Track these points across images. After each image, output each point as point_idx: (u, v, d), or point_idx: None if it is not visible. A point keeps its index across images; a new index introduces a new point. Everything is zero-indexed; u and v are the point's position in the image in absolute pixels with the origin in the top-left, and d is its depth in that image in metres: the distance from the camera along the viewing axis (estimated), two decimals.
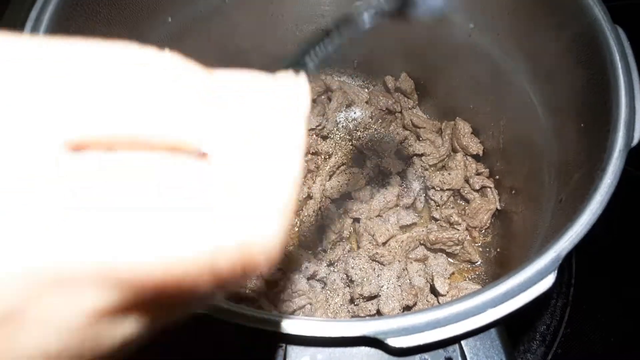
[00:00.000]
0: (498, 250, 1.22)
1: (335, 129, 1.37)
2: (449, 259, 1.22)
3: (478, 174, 1.30)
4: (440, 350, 0.66)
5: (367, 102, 1.41)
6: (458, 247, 1.19)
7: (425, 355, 0.66)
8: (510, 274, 0.66)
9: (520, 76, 1.10)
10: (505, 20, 1.08)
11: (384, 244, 1.19)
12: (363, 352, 0.65)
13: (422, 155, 1.33)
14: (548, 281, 0.66)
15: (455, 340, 0.66)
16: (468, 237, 1.22)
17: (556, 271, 0.67)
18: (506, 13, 1.06)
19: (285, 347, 0.65)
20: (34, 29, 0.83)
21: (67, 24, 0.87)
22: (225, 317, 0.62)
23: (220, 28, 1.24)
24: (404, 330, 0.62)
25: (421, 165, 1.33)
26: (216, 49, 1.27)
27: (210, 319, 0.62)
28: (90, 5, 0.92)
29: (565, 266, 1.27)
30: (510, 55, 1.11)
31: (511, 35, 1.09)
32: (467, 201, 1.29)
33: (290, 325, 0.61)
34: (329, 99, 1.42)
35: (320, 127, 1.35)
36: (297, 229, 1.24)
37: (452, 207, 1.29)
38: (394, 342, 0.61)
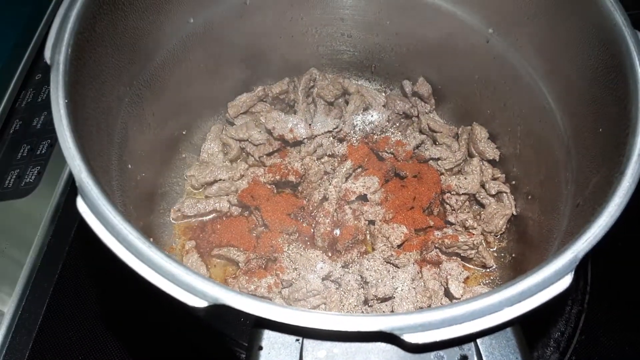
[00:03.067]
0: (513, 255, 1.22)
1: (352, 131, 1.38)
2: (464, 263, 1.22)
3: (494, 179, 1.31)
4: (456, 348, 0.66)
5: (384, 106, 1.42)
6: (473, 252, 1.19)
7: (441, 353, 0.66)
8: (528, 274, 0.66)
9: (538, 81, 1.10)
10: (525, 25, 1.08)
11: (399, 246, 1.19)
12: (379, 347, 0.65)
13: (438, 159, 1.33)
14: (565, 282, 0.66)
15: (471, 338, 0.66)
16: (483, 242, 1.22)
17: (573, 272, 0.67)
18: (526, 18, 1.07)
19: (302, 341, 0.65)
20: (61, 28, 0.84)
21: (92, 21, 0.89)
22: (243, 308, 0.62)
23: (240, 29, 1.25)
24: (420, 326, 0.62)
25: (437, 170, 1.33)
26: (236, 50, 1.29)
27: (228, 310, 0.63)
28: (115, 3, 0.94)
29: (580, 273, 1.27)
30: (528, 60, 1.12)
31: (530, 40, 1.10)
32: (483, 206, 1.29)
33: (307, 319, 0.62)
34: (347, 102, 1.43)
35: (337, 130, 1.36)
36: (312, 230, 1.25)
37: (468, 212, 1.29)
38: (410, 338, 0.61)
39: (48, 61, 0.81)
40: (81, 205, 0.69)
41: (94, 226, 0.68)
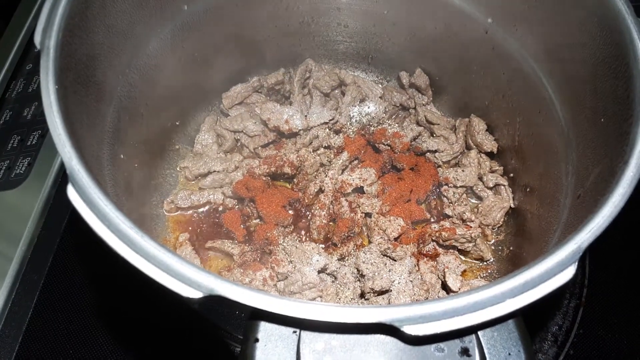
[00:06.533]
0: (511, 248, 1.21)
1: (348, 123, 1.36)
2: (461, 256, 1.21)
3: (492, 171, 1.29)
4: (457, 340, 0.65)
5: (381, 97, 1.40)
6: (470, 245, 1.18)
7: (442, 345, 0.64)
8: (530, 265, 0.65)
9: (538, 71, 1.08)
10: (525, 14, 1.07)
11: (395, 239, 1.18)
12: (378, 339, 0.64)
13: (435, 151, 1.32)
14: (568, 273, 0.65)
15: (472, 330, 0.65)
16: (481, 235, 1.21)
17: (576, 263, 0.66)
18: (525, 7, 1.05)
19: (300, 333, 0.64)
20: (51, 12, 0.81)
21: (84, 6, 0.86)
22: (239, 299, 0.60)
23: (235, 18, 1.23)
24: (420, 318, 0.60)
25: (434, 162, 1.31)
26: (231, 39, 1.27)
27: (223, 302, 0.61)
28: None
29: (579, 267, 1.25)
30: (528, 50, 1.10)
31: (530, 29, 1.08)
32: (481, 199, 1.28)
33: (305, 310, 0.60)
34: (343, 93, 1.41)
35: (333, 121, 1.34)
36: (308, 222, 1.23)
37: (465, 204, 1.28)
38: (410, 329, 0.60)
39: (38, 46, 0.78)
40: (72, 193, 0.67)
41: (85, 215, 0.66)
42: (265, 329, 0.64)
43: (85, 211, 0.66)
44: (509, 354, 0.64)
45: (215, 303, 0.62)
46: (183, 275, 0.62)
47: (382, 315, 0.60)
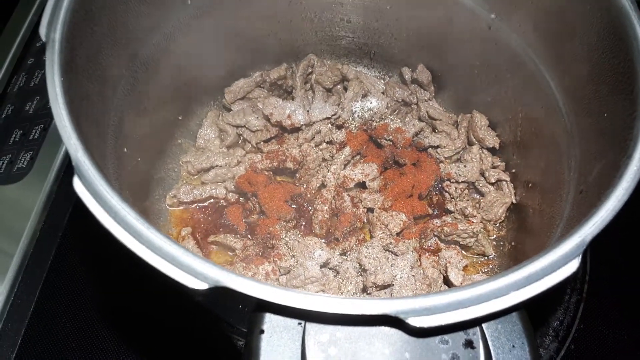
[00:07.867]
0: (512, 244, 1.21)
1: (350, 118, 1.36)
2: (463, 252, 1.21)
3: (494, 167, 1.30)
4: (461, 333, 0.65)
5: (383, 93, 1.40)
6: (472, 240, 1.18)
7: (446, 337, 0.65)
8: (534, 258, 0.65)
9: (541, 67, 1.09)
10: (528, 9, 1.07)
11: (398, 234, 1.18)
12: (383, 331, 0.64)
13: (437, 147, 1.32)
14: (572, 266, 0.65)
15: (476, 322, 0.65)
16: (482, 230, 1.21)
17: (580, 257, 0.66)
18: (529, 2, 1.05)
19: (305, 325, 0.64)
20: (57, 5, 0.81)
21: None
22: (245, 290, 0.61)
23: (238, 13, 1.23)
24: (425, 310, 0.61)
25: (436, 157, 1.32)
26: (234, 33, 1.27)
27: (228, 293, 0.61)
28: None
29: (580, 261, 1.26)
30: (531, 45, 1.10)
31: (533, 25, 1.08)
32: (482, 194, 1.28)
33: (310, 302, 0.60)
34: (345, 89, 1.42)
35: (335, 117, 1.34)
36: (310, 217, 1.23)
37: (467, 200, 1.28)
38: (414, 321, 0.60)
39: (43, 39, 0.78)
40: (78, 185, 0.67)
41: (91, 207, 0.66)
42: (270, 321, 0.64)
43: (92, 203, 0.66)
44: (513, 346, 0.65)
45: (220, 295, 0.62)
46: (189, 266, 0.62)
47: (387, 307, 0.60)
